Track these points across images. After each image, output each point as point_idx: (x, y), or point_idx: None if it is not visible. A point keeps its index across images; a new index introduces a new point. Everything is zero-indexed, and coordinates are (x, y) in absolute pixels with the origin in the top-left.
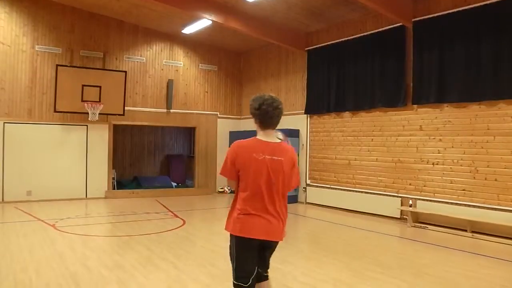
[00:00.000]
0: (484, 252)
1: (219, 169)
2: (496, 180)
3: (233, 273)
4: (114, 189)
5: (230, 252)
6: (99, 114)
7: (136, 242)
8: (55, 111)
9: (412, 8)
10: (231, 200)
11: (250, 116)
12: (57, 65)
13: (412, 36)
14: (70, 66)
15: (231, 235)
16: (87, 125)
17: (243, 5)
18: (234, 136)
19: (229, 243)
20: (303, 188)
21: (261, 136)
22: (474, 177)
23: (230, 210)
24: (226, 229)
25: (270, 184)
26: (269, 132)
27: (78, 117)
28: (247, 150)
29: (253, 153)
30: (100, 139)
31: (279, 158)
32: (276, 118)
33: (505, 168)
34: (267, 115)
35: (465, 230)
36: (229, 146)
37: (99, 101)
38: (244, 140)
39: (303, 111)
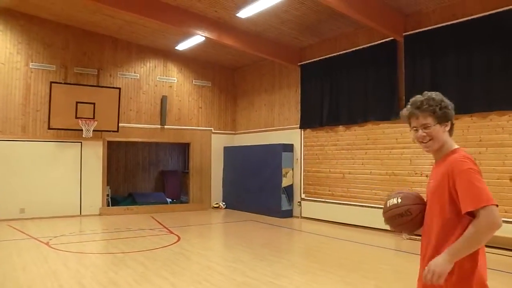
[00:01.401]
0: None
1: (214, 184)
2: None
3: None
4: (108, 205)
5: None
6: (93, 130)
7: (131, 259)
8: (49, 128)
9: (403, 23)
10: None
11: (427, 114)
12: (51, 82)
13: (404, 49)
14: (64, 83)
15: None
16: (81, 142)
17: (236, 21)
18: (229, 151)
19: None
20: (298, 202)
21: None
22: None
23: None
24: None
25: None
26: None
27: (72, 134)
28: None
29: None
30: (94, 156)
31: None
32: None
33: (498, 179)
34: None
35: None
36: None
37: (93, 118)
38: (464, 153)
39: (297, 126)
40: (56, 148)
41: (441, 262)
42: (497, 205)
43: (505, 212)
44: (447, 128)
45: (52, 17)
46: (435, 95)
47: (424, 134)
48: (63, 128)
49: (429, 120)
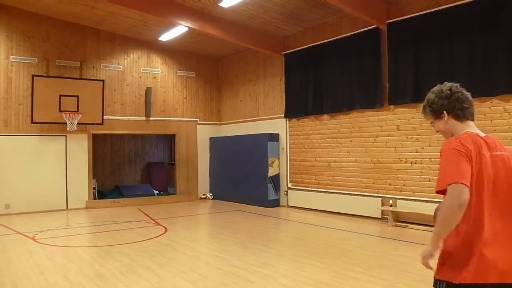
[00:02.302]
0: None
1: (200, 175)
2: None
3: None
4: (95, 199)
5: None
6: (78, 124)
7: (117, 251)
8: (32, 122)
9: (386, 10)
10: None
11: (428, 115)
12: (33, 75)
13: (387, 37)
14: (47, 76)
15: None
16: (65, 135)
17: (219, 10)
18: (215, 141)
19: None
20: (285, 191)
21: (469, 129)
22: None
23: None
24: (440, 277)
25: (497, 193)
26: (473, 125)
27: (56, 128)
28: (475, 145)
29: (482, 148)
30: (79, 149)
31: (502, 153)
32: (473, 102)
33: None
34: (465, 97)
35: None
36: (208, 154)
37: (77, 111)
38: (456, 136)
39: (282, 115)
40: (40, 142)
41: (425, 247)
42: (466, 185)
43: None
44: (446, 119)
45: (32, 8)
46: (429, 94)
47: (435, 130)
48: (47, 121)
49: (431, 119)
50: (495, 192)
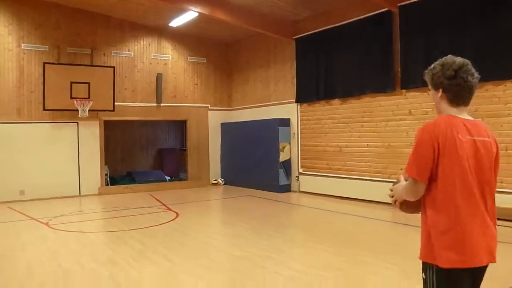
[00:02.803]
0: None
1: (212, 161)
2: None
3: None
4: (107, 185)
5: None
6: (89, 110)
7: (129, 236)
8: (44, 109)
9: None
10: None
11: (428, 81)
12: (44, 63)
13: (399, 20)
14: (58, 64)
15: (433, 268)
16: (77, 122)
17: None
18: (226, 127)
19: (428, 277)
20: (296, 177)
21: (454, 113)
22: None
23: (422, 227)
24: (422, 258)
25: (482, 177)
26: (463, 109)
27: (68, 115)
28: (449, 130)
29: (459, 133)
30: (91, 136)
31: (486, 139)
32: (474, 90)
33: None
34: (467, 85)
35: None
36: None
37: (89, 98)
38: (435, 119)
39: (294, 100)
40: (52, 129)
41: (399, 192)
42: (417, 179)
43: (501, 182)
44: (439, 95)
45: None
46: (439, 62)
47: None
48: (59, 109)
49: (429, 86)
50: (479, 176)
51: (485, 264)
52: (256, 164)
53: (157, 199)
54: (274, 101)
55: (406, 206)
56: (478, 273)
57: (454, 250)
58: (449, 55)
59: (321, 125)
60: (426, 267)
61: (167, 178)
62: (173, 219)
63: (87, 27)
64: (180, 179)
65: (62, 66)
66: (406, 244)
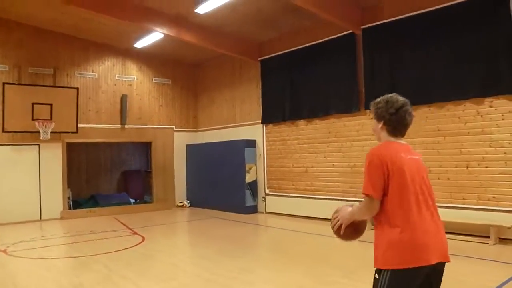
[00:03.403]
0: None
1: (177, 183)
2: (448, 179)
3: None
4: (70, 208)
5: None
6: (51, 132)
7: (94, 261)
8: (3, 131)
9: (361, 16)
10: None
11: (372, 112)
12: (4, 83)
13: (362, 42)
14: (18, 84)
15: (386, 272)
16: (39, 145)
17: (195, 17)
18: (191, 149)
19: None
20: (262, 197)
21: (392, 140)
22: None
23: (378, 239)
24: (380, 266)
25: (426, 187)
26: (400, 139)
27: (29, 137)
28: (393, 152)
29: (401, 153)
30: (53, 158)
31: (419, 158)
32: (409, 126)
33: (455, 167)
34: (404, 122)
35: None
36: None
37: (51, 119)
38: (379, 144)
39: (259, 121)
40: (12, 151)
41: (346, 215)
42: (373, 196)
43: (463, 199)
44: (380, 126)
45: (3, 14)
46: (383, 98)
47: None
48: (19, 130)
49: (373, 116)
50: (420, 189)
51: (435, 262)
52: (222, 185)
53: (122, 223)
54: (240, 122)
55: (353, 229)
56: (432, 271)
57: (409, 253)
58: (394, 94)
59: (287, 145)
60: (380, 270)
61: (132, 201)
62: (139, 243)
63: (50, 47)
64: (145, 202)
65: (23, 86)
66: (370, 259)
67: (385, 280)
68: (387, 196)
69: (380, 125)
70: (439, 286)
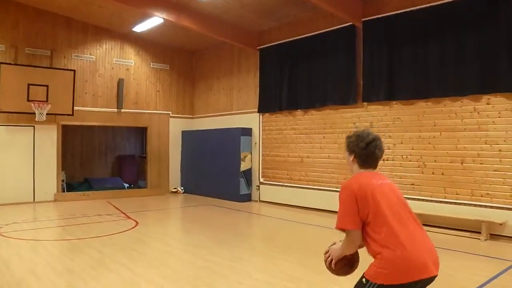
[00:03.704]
0: (433, 243)
1: (172, 169)
2: (442, 174)
3: None
4: (63, 191)
5: None
6: (47, 114)
7: (87, 245)
8: None
9: (362, 8)
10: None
11: (345, 150)
12: (0, 63)
13: (362, 35)
14: (15, 64)
15: (375, 285)
16: (34, 126)
17: (195, 3)
18: (187, 135)
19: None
20: (257, 186)
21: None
22: (422, 172)
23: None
24: (371, 279)
25: (404, 206)
26: (371, 171)
27: (24, 118)
28: (363, 180)
29: (371, 180)
30: (48, 140)
31: (389, 182)
32: (379, 159)
33: (450, 162)
34: (374, 156)
35: None
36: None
37: (47, 101)
38: (349, 179)
39: (256, 110)
40: (7, 132)
41: (336, 250)
42: (350, 229)
43: (457, 194)
44: (352, 159)
45: None
46: (355, 133)
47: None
48: (15, 111)
49: (346, 149)
50: (396, 210)
51: (426, 277)
52: (217, 173)
53: (115, 207)
54: (236, 110)
55: (345, 262)
56: (422, 284)
57: (402, 270)
58: (365, 129)
59: (283, 135)
60: (368, 281)
61: (126, 185)
62: (132, 228)
63: (48, 28)
64: (139, 187)
65: (20, 67)
66: (366, 254)
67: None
68: (368, 224)
69: (351, 158)
70: None
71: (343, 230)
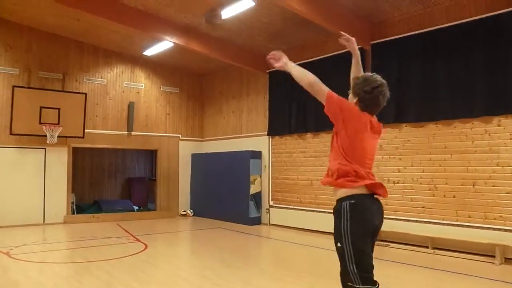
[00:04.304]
0: (445, 267)
1: (181, 191)
2: (454, 197)
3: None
4: (73, 213)
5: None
6: (58, 136)
7: (96, 267)
8: (11, 133)
9: (370, 31)
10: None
11: (350, 92)
12: (13, 86)
13: (371, 58)
14: (28, 88)
15: (346, 203)
16: (45, 148)
17: (205, 27)
18: (197, 158)
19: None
20: (266, 209)
21: None
22: (433, 195)
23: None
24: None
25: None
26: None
27: (35, 140)
28: (366, 117)
29: (369, 125)
30: (58, 162)
31: (377, 138)
32: (382, 106)
33: (462, 185)
34: (377, 101)
35: (426, 247)
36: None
37: (58, 124)
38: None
39: (265, 133)
40: (18, 154)
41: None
42: (330, 96)
43: (469, 217)
44: (354, 101)
45: (14, 18)
46: (362, 76)
47: None
48: (26, 133)
49: (350, 90)
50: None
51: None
52: (226, 196)
53: (125, 230)
54: (246, 133)
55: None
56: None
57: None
58: (374, 73)
59: (292, 158)
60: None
61: (135, 208)
62: (141, 251)
63: (60, 52)
64: (149, 209)
65: (32, 90)
66: (378, 278)
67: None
68: (343, 137)
69: (354, 101)
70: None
71: (329, 96)
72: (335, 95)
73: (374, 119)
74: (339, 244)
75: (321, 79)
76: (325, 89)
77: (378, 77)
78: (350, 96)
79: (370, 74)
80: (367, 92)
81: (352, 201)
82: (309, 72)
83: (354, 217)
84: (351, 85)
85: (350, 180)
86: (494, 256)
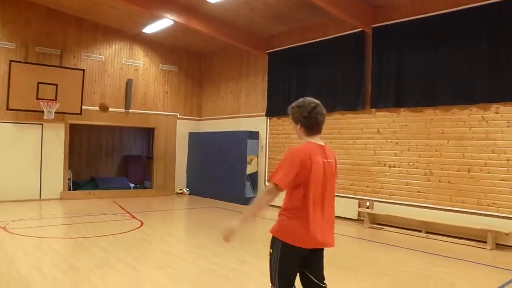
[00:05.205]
0: (438, 251)
1: (178, 170)
2: (449, 182)
3: None
4: (70, 190)
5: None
6: (55, 112)
7: (92, 243)
8: (7, 108)
9: (372, 14)
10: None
11: (289, 117)
12: (10, 61)
13: (372, 41)
14: (25, 63)
15: (280, 243)
16: (42, 124)
17: (205, 6)
18: (194, 137)
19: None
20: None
21: (310, 139)
22: (429, 180)
23: (281, 218)
24: (276, 235)
25: (325, 190)
26: (317, 136)
27: (32, 116)
28: (312, 153)
29: (317, 156)
30: (55, 139)
31: (331, 161)
32: (322, 124)
33: (457, 171)
34: (317, 121)
35: (420, 231)
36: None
37: (55, 100)
38: (301, 146)
39: (263, 113)
40: (15, 129)
41: (234, 223)
42: (279, 186)
43: (463, 203)
44: (298, 128)
45: None
46: (296, 103)
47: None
48: (23, 109)
49: (290, 120)
50: (323, 188)
51: (316, 247)
52: (222, 175)
53: (121, 207)
54: (244, 113)
55: None
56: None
57: (298, 235)
58: (305, 98)
59: (290, 139)
60: (274, 241)
61: (132, 185)
62: (137, 228)
63: (58, 28)
64: (145, 187)
65: (29, 65)
66: (372, 260)
67: (279, 248)
68: (296, 189)
69: (298, 127)
70: (319, 264)
71: (275, 184)
72: (279, 177)
73: (320, 141)
74: None
75: (322, 61)
76: (270, 188)
77: (311, 99)
78: (293, 125)
79: (301, 100)
80: (306, 117)
81: None
82: (258, 198)
83: None
84: (290, 114)
85: None
86: (486, 242)
